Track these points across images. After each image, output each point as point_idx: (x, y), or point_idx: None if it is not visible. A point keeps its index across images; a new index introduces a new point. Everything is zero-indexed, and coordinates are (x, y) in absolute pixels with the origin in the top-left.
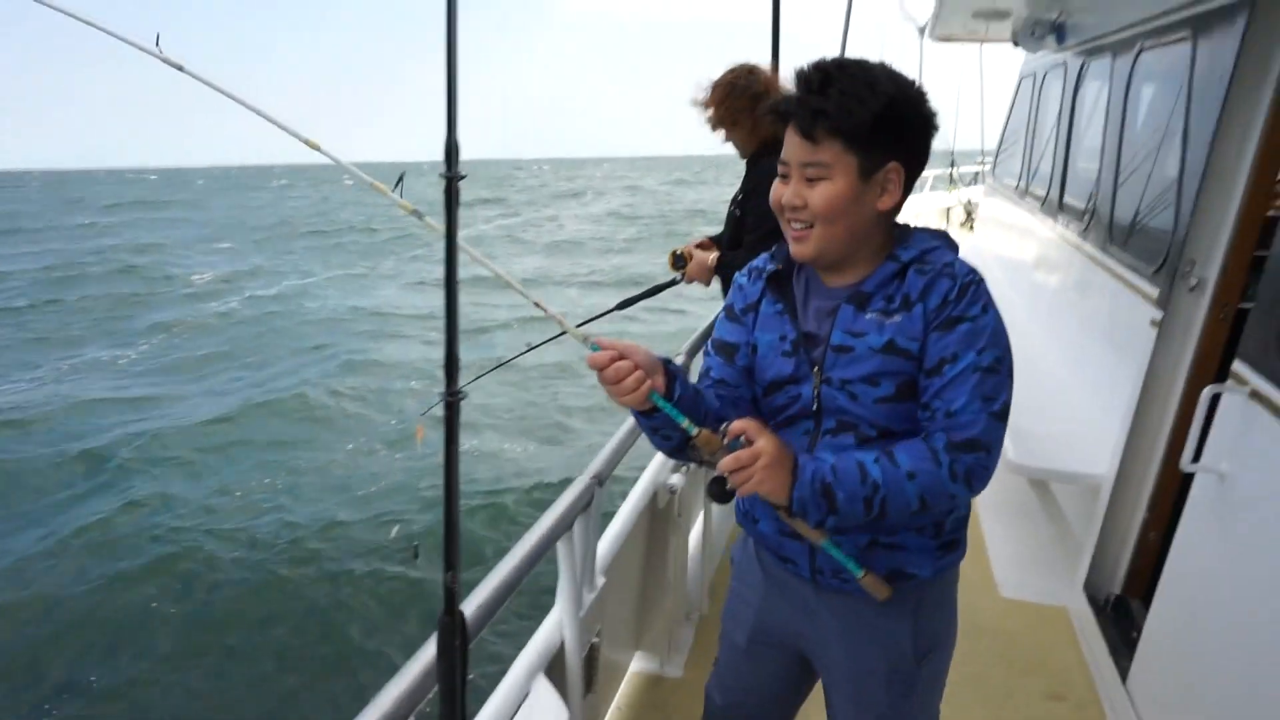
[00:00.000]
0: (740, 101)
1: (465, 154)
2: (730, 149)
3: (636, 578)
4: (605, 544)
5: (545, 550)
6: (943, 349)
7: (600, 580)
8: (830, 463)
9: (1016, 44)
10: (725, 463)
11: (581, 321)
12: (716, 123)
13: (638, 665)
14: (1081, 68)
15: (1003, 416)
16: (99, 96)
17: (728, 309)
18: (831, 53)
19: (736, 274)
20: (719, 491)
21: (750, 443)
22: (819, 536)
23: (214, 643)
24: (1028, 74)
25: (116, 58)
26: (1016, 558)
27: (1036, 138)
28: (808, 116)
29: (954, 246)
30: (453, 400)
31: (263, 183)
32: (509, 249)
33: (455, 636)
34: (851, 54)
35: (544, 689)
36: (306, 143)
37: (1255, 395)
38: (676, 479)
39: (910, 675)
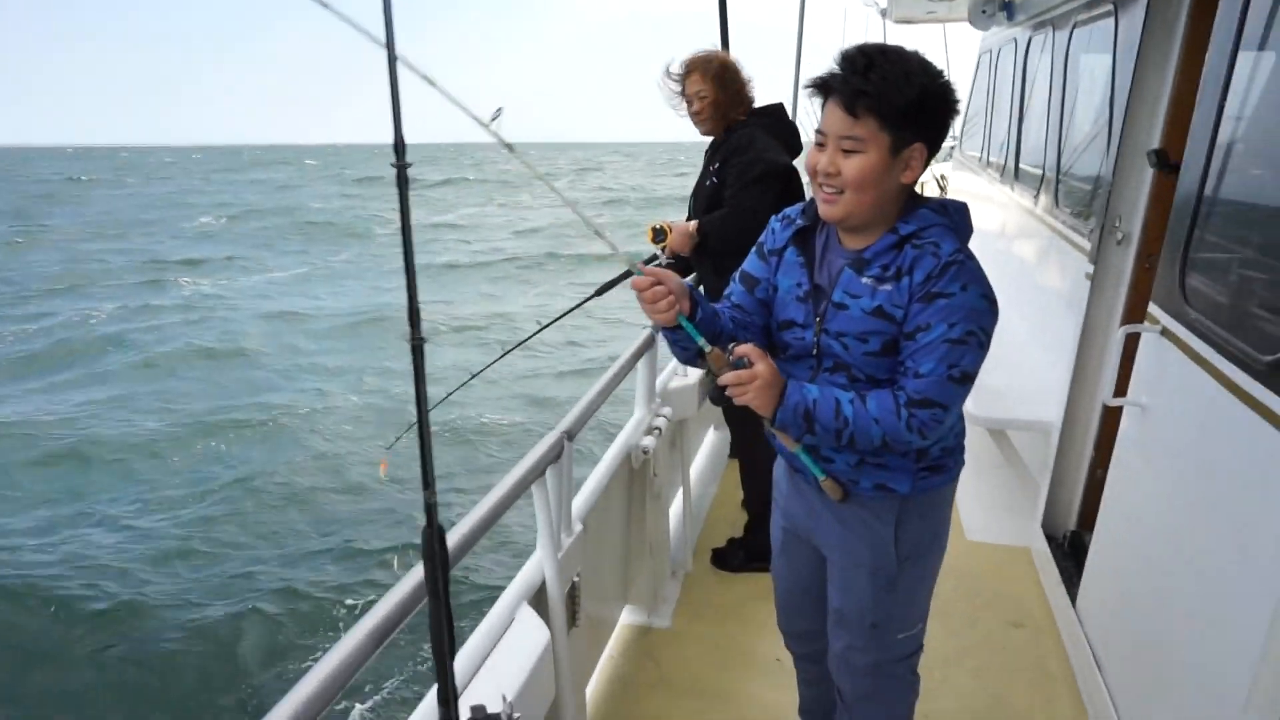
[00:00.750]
0: (729, 86)
1: (459, 138)
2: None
3: (617, 532)
4: (582, 497)
5: (519, 494)
6: (920, 319)
7: (577, 526)
8: (814, 396)
9: (971, 23)
10: (727, 377)
11: (588, 297)
12: (715, 104)
13: (627, 618)
14: (1029, 42)
15: (962, 381)
16: (72, 72)
17: (758, 246)
18: (788, 36)
19: (772, 216)
20: (717, 396)
21: (750, 365)
22: (794, 445)
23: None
24: (984, 50)
25: (81, 36)
26: (980, 504)
27: (994, 111)
28: (850, 94)
29: (958, 222)
30: (418, 345)
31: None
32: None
33: (435, 543)
34: (811, 38)
35: (528, 614)
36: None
37: (1165, 333)
38: (649, 440)
39: (892, 573)
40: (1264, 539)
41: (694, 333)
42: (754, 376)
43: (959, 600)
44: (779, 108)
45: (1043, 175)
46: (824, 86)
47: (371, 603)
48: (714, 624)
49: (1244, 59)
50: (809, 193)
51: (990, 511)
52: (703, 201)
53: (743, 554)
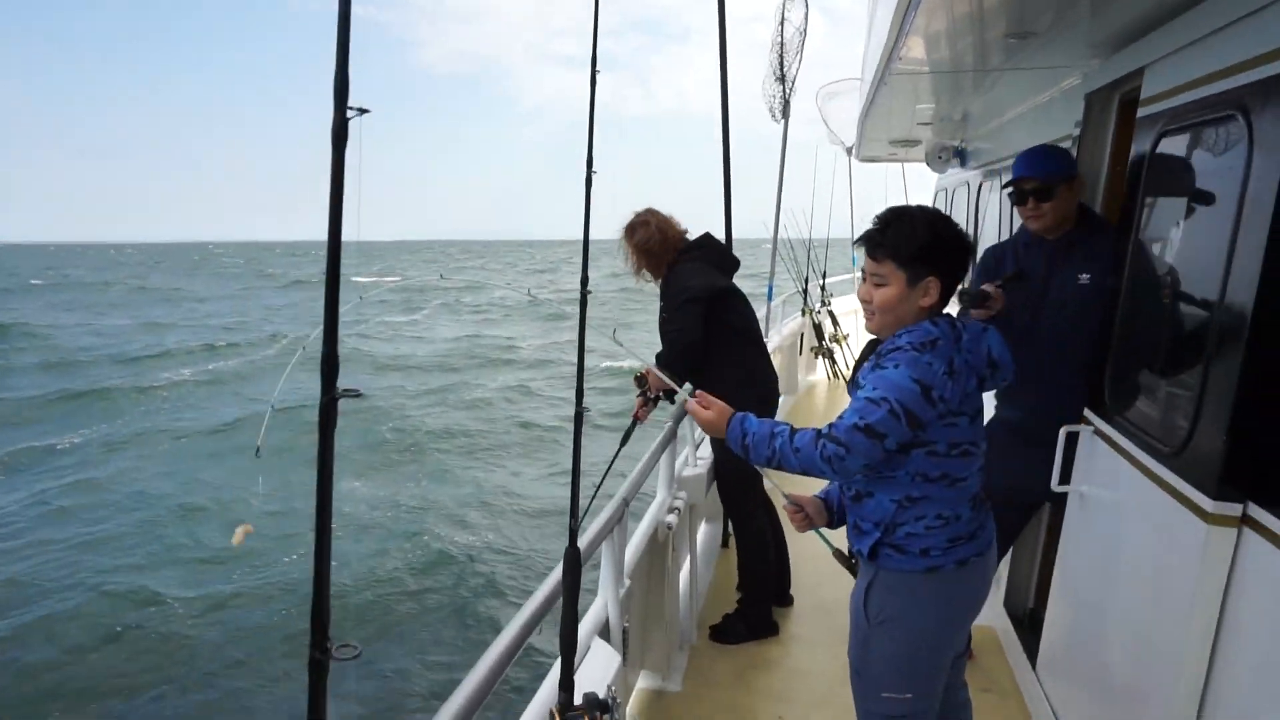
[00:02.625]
0: (651, 241)
1: (407, 234)
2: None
3: (640, 602)
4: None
5: (604, 539)
6: (863, 381)
7: (627, 581)
8: (753, 430)
9: (929, 165)
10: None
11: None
12: (641, 259)
13: (643, 683)
14: (980, 185)
15: (866, 433)
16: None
17: None
18: (768, 165)
19: None
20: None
21: (706, 407)
22: (806, 528)
23: None
24: (940, 189)
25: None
26: None
27: None
28: (873, 245)
29: (944, 330)
30: (579, 413)
31: None
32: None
33: (575, 562)
34: (791, 158)
35: (600, 645)
36: None
37: (1097, 433)
38: (672, 518)
39: (864, 629)
40: (1177, 598)
41: (825, 539)
42: (697, 414)
43: None
44: (707, 237)
45: None
46: (862, 239)
47: (512, 610)
48: (721, 689)
49: (1144, 215)
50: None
51: None
52: (662, 333)
53: (743, 627)
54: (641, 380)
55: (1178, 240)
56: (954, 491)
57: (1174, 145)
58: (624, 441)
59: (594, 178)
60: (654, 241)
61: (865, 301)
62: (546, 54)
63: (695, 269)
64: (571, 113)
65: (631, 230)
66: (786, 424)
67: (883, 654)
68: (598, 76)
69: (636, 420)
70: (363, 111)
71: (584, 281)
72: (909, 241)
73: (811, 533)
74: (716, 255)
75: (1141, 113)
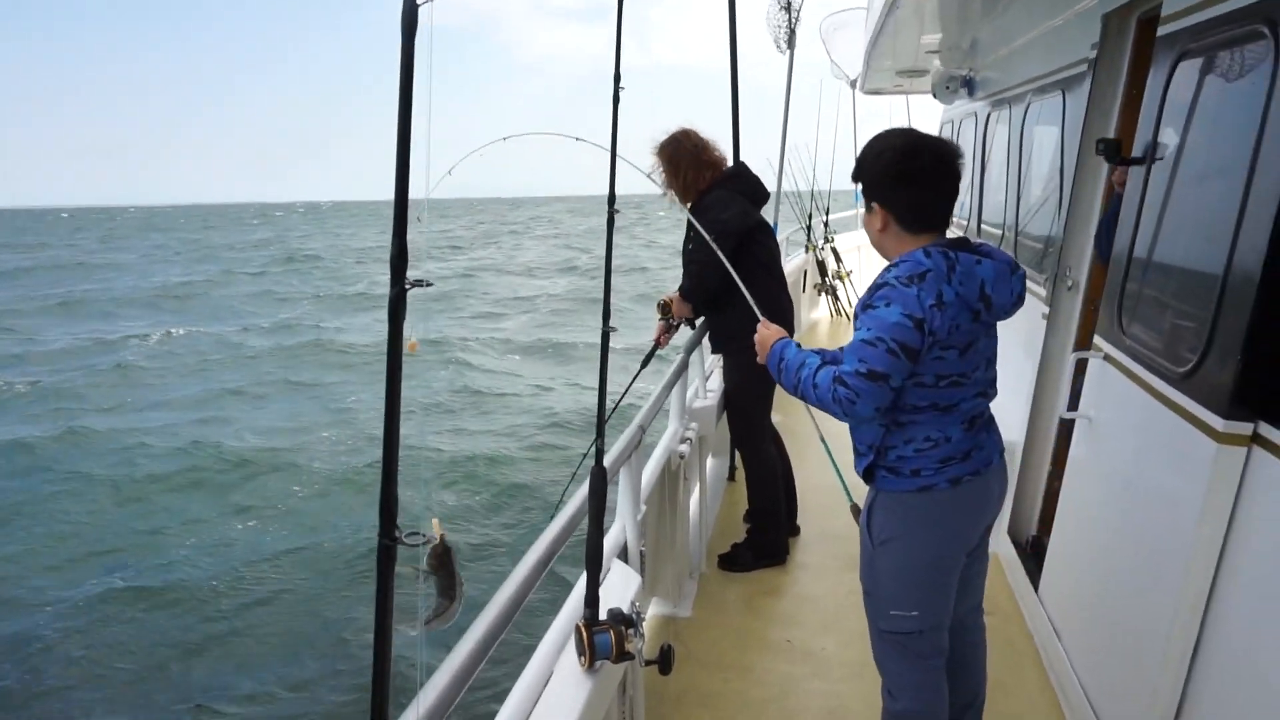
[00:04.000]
0: (683, 160)
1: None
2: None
3: (653, 529)
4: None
5: (623, 463)
6: (856, 324)
7: (643, 506)
8: (791, 354)
9: (935, 96)
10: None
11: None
12: (668, 178)
13: (654, 609)
14: (989, 116)
15: (871, 377)
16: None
17: None
18: (768, 116)
19: None
20: None
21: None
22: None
23: None
24: (946, 121)
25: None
26: None
27: None
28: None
29: (936, 263)
30: (606, 334)
31: None
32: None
33: (601, 480)
34: (795, 101)
35: (620, 565)
36: None
37: (1106, 358)
38: (684, 447)
39: (870, 550)
40: (1185, 519)
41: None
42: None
43: None
44: (741, 167)
45: (1002, 234)
46: None
47: (540, 528)
48: (730, 614)
49: (1164, 135)
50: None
51: None
52: (686, 261)
53: (751, 554)
54: (665, 307)
55: (1196, 163)
56: (943, 416)
57: (1195, 65)
58: (644, 364)
59: (590, 136)
60: (685, 159)
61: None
62: (544, 6)
63: (728, 199)
64: (571, 66)
65: (664, 146)
66: (818, 356)
67: (887, 573)
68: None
69: (658, 344)
70: None
71: (610, 201)
72: (858, 167)
73: (818, 462)
74: (749, 187)
75: (1161, 31)
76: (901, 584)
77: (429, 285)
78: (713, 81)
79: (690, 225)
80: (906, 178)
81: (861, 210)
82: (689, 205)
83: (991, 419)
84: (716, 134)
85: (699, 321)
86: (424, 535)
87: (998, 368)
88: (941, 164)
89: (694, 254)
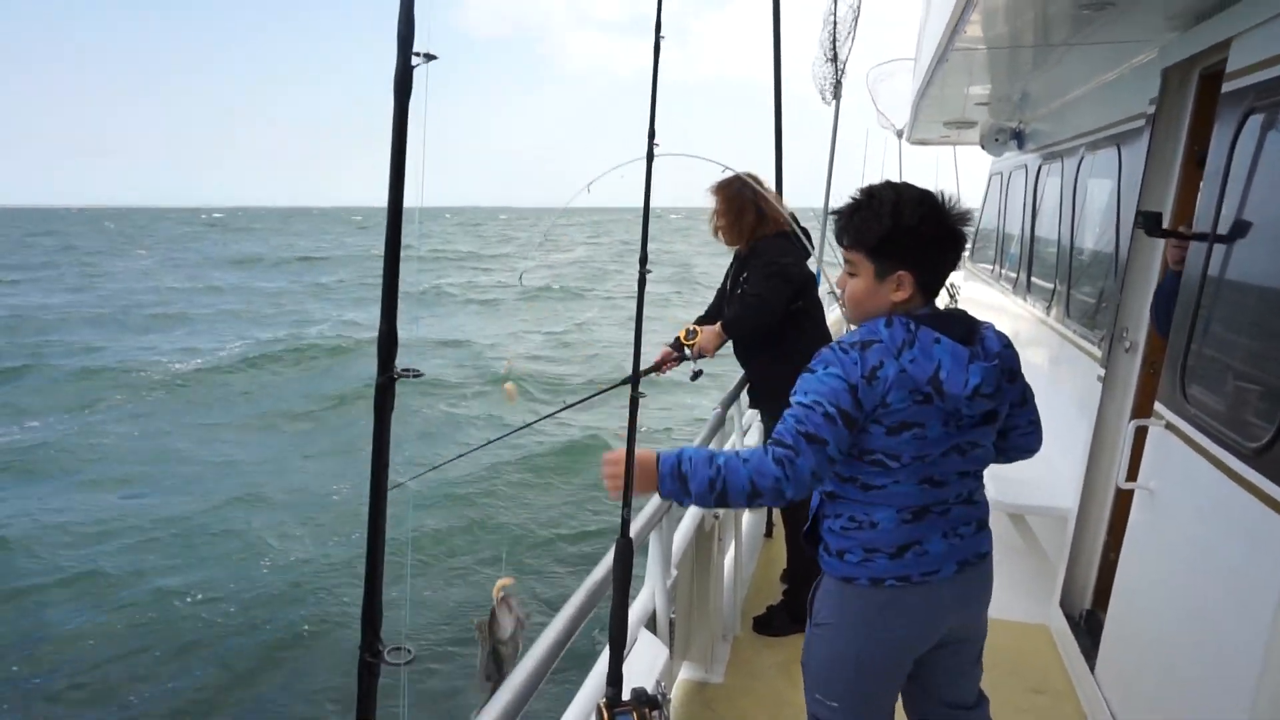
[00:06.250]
0: (748, 204)
1: (455, 201)
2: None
3: (685, 593)
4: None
5: (653, 528)
6: (797, 385)
7: (674, 571)
8: (689, 454)
9: (984, 148)
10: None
11: (615, 384)
12: (727, 217)
13: (686, 674)
14: (1039, 169)
15: (809, 439)
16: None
17: None
18: (814, 139)
19: None
20: None
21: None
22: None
23: None
24: (995, 172)
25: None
26: (1001, 583)
27: (1005, 229)
28: (839, 231)
29: (895, 334)
30: (634, 399)
31: None
32: None
33: (626, 551)
34: (841, 147)
35: (647, 636)
36: None
37: (1169, 426)
38: (719, 508)
39: (809, 628)
40: (1259, 604)
41: None
42: (617, 461)
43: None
44: (795, 223)
45: (1054, 289)
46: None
47: (563, 599)
48: (764, 680)
49: (1230, 196)
50: (827, 303)
51: (1010, 591)
52: (733, 304)
53: (786, 616)
54: (691, 334)
55: (1266, 224)
56: (866, 496)
57: (1262, 121)
58: (649, 371)
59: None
60: (749, 203)
61: (840, 291)
62: (587, 18)
63: (786, 246)
64: (609, 76)
65: (728, 184)
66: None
67: (813, 657)
68: (654, 47)
69: (656, 369)
70: (430, 58)
71: (643, 261)
72: (871, 228)
73: None
74: (800, 241)
75: (1226, 88)
76: (825, 671)
77: (419, 375)
78: (754, 92)
79: (740, 264)
80: (951, 242)
81: (865, 276)
82: (737, 245)
83: (965, 520)
84: (760, 156)
85: (739, 376)
86: (410, 651)
87: (1050, 427)
88: (959, 220)
89: (748, 290)
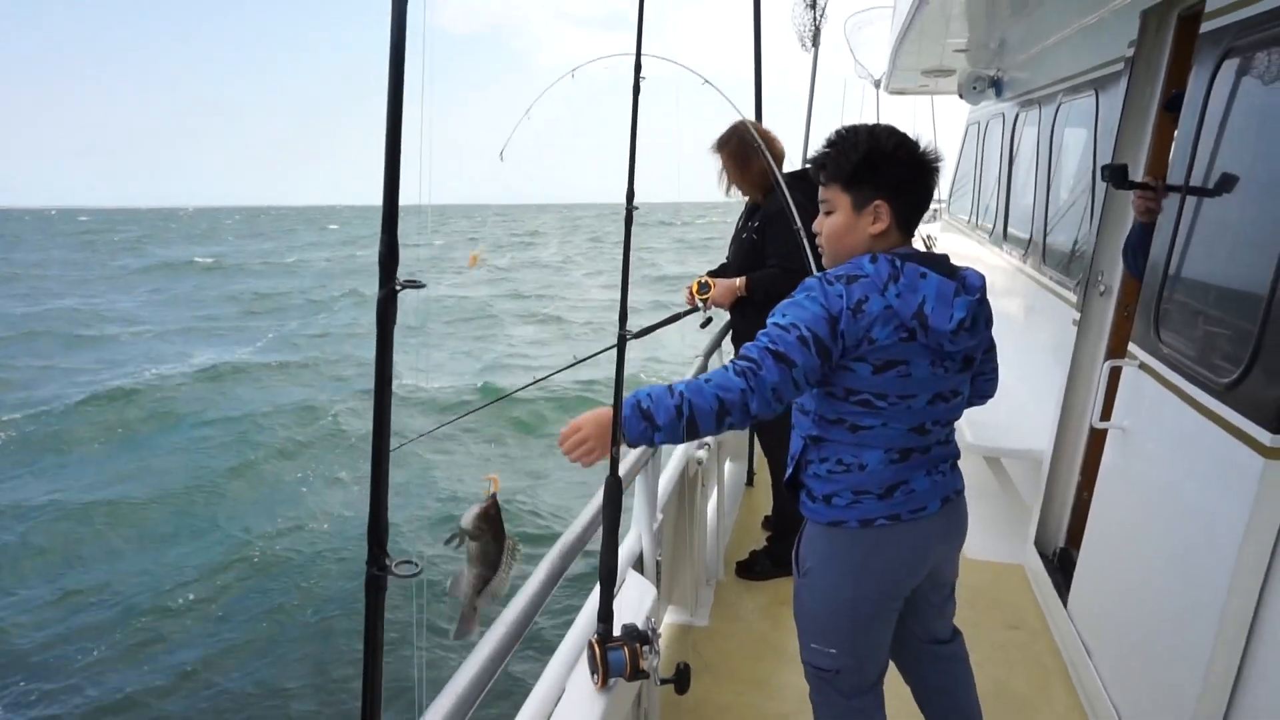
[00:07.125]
0: (752, 153)
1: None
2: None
3: (669, 537)
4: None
5: (639, 470)
6: (775, 310)
7: (660, 515)
8: (647, 390)
9: (961, 97)
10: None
11: (610, 345)
12: (736, 174)
13: (671, 617)
14: (1017, 117)
15: (776, 357)
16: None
17: None
18: (800, 103)
19: None
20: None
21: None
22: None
23: None
24: (972, 122)
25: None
26: (976, 525)
27: (982, 178)
28: (816, 167)
29: (880, 270)
30: (621, 337)
31: None
32: None
33: (616, 491)
34: (818, 105)
35: (635, 576)
36: None
37: (1142, 366)
38: (702, 453)
39: (797, 578)
40: (1228, 535)
41: None
42: (576, 428)
43: (960, 609)
44: (804, 171)
45: (1030, 238)
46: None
47: (555, 536)
48: (747, 623)
49: (1204, 144)
50: None
51: (986, 533)
52: (741, 255)
53: (768, 561)
54: (704, 287)
55: (1241, 167)
56: (855, 437)
57: (1239, 64)
58: (665, 323)
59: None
60: (751, 152)
61: (816, 235)
62: (562, 13)
63: (803, 202)
64: (594, 71)
65: (727, 140)
66: None
67: (804, 608)
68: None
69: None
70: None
71: (629, 197)
72: (847, 156)
73: None
74: (813, 190)
75: (1204, 28)
76: (819, 619)
77: (421, 286)
78: (732, 88)
79: (753, 219)
80: (925, 171)
81: (843, 209)
82: (753, 197)
83: (943, 459)
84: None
85: (723, 320)
86: (417, 563)
87: (1026, 372)
88: (932, 158)
89: (777, 250)
